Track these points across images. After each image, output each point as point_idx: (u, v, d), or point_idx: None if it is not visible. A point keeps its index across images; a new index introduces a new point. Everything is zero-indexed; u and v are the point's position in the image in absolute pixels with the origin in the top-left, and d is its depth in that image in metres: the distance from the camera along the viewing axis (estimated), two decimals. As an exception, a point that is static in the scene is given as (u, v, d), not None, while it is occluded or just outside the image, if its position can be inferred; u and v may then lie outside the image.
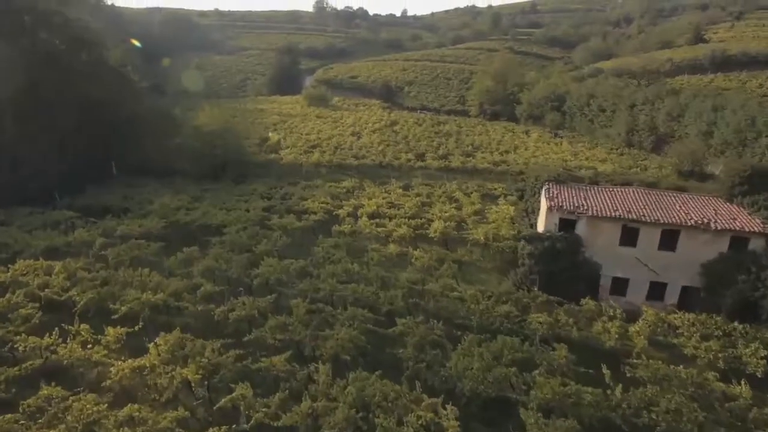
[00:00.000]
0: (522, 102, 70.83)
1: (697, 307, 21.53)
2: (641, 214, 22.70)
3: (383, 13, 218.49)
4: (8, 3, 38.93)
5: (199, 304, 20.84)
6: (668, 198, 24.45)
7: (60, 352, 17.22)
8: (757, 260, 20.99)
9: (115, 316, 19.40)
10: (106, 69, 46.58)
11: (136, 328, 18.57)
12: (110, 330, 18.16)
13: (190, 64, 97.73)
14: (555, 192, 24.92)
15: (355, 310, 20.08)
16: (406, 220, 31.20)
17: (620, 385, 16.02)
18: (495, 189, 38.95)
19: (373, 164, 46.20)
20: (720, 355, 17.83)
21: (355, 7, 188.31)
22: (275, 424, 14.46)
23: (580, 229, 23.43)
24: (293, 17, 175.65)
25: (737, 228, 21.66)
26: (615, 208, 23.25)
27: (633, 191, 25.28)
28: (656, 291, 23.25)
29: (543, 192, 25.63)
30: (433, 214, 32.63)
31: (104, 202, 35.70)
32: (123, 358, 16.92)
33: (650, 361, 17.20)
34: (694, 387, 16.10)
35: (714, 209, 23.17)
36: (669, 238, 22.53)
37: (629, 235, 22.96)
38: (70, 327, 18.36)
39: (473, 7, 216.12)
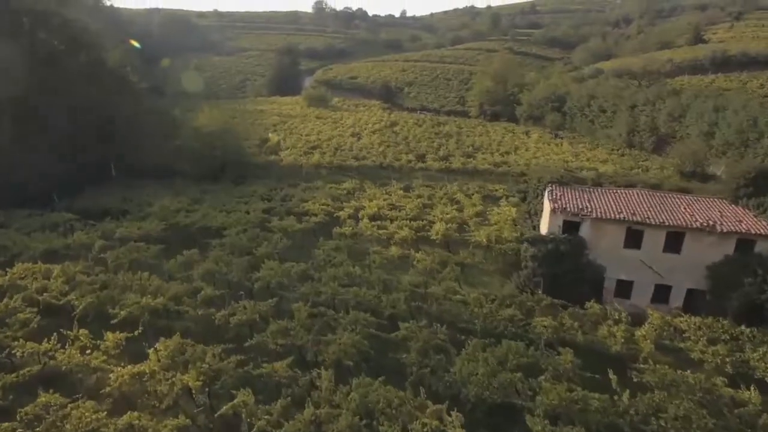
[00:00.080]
0: (522, 103, 70.66)
1: (702, 310, 21.33)
2: (646, 216, 22.48)
3: (382, 14, 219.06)
4: (7, 3, 38.66)
5: (199, 308, 20.60)
6: (673, 200, 24.24)
7: (58, 357, 16.97)
8: (764, 263, 20.78)
9: (115, 321, 19.17)
10: (105, 70, 46.33)
11: (136, 333, 18.34)
12: (109, 335, 17.92)
13: (190, 65, 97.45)
14: (558, 194, 24.70)
15: (357, 314, 19.86)
16: (408, 221, 30.97)
17: (627, 391, 15.81)
18: (496, 190, 38.73)
19: (374, 165, 45.96)
20: (728, 359, 17.60)
21: (354, 8, 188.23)
22: (278, 432, 14.23)
23: (584, 231, 23.21)
24: (292, 18, 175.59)
25: (743, 230, 21.44)
26: (619, 210, 23.03)
27: (637, 193, 25.07)
28: (661, 294, 23.03)
29: (546, 194, 25.41)
30: (434, 216, 32.40)
31: (103, 203, 35.46)
32: (122, 364, 16.68)
33: (657, 365, 16.99)
34: (703, 392, 15.87)
35: (719, 211, 22.97)
36: (674, 241, 22.30)
37: (634, 238, 22.73)
38: (68, 332, 18.10)
39: (472, 7, 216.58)
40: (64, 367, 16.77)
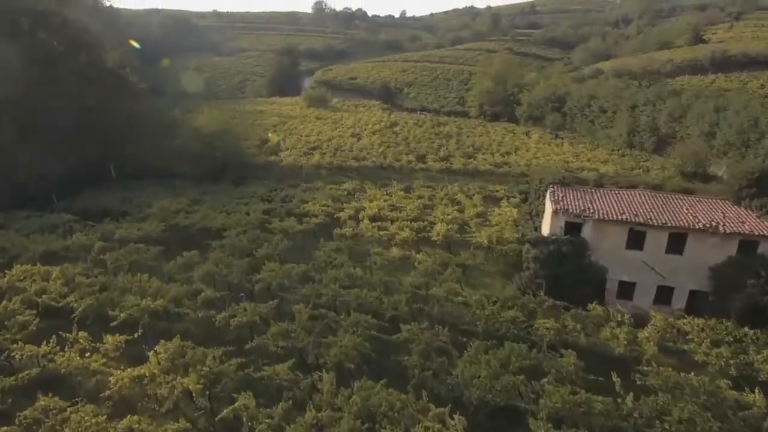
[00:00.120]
0: (522, 103, 70.55)
1: (705, 311, 21.23)
2: (648, 217, 22.37)
3: (382, 14, 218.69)
4: (6, 4, 38.52)
5: (199, 311, 20.49)
6: (675, 201, 24.14)
7: (58, 360, 16.88)
8: (767, 264, 20.67)
9: (114, 323, 19.04)
10: (105, 70, 46.16)
11: (136, 335, 18.22)
12: (109, 338, 17.81)
13: (189, 65, 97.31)
14: (560, 195, 24.59)
15: (358, 316, 19.76)
16: (408, 222, 30.86)
17: (631, 394, 15.69)
18: (497, 191, 38.63)
19: (374, 166, 45.81)
20: (731, 361, 17.53)
21: (354, 8, 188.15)
22: (279, 436, 14.13)
23: (586, 232, 23.11)
24: (292, 18, 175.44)
25: (746, 231, 21.34)
26: (621, 211, 22.92)
27: (639, 194, 24.97)
28: (663, 295, 22.93)
29: (548, 195, 25.29)
30: (435, 217, 32.29)
31: (103, 204, 35.33)
32: (122, 367, 16.59)
33: (661, 368, 16.88)
34: (707, 395, 15.77)
35: (722, 212, 22.86)
36: (676, 242, 22.20)
37: (636, 239, 22.63)
38: (68, 334, 18.01)
39: (472, 8, 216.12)
40: (63, 370, 16.69)
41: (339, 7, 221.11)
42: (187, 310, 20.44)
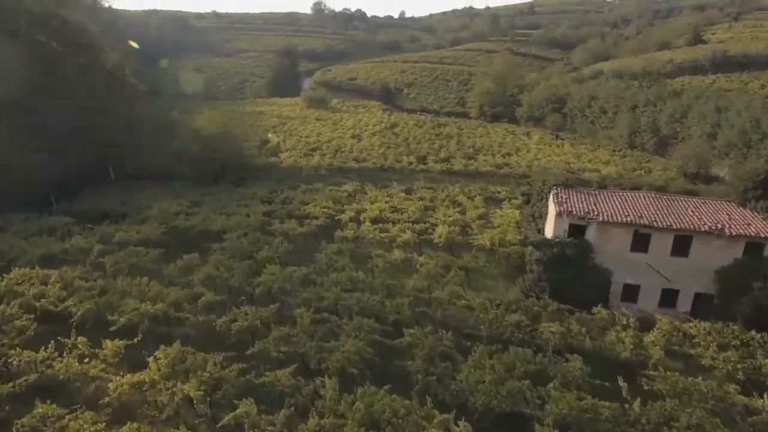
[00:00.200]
0: (522, 104, 70.44)
1: (710, 314, 21.02)
2: (653, 219, 22.17)
3: (381, 15, 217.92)
4: (5, 5, 38.23)
5: (199, 315, 20.21)
6: (680, 202, 23.94)
7: (56, 366, 16.59)
8: (773, 267, 20.51)
9: (114, 328, 18.75)
10: (104, 72, 45.90)
11: (135, 340, 17.94)
12: (108, 343, 17.54)
13: (188, 66, 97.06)
14: (564, 197, 24.38)
15: (360, 320, 19.50)
16: (410, 224, 30.62)
17: (638, 399, 15.48)
18: (498, 192, 38.41)
19: (374, 167, 45.54)
20: (739, 366, 17.30)
21: (353, 9, 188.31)
22: (281, 444, 13.89)
23: (590, 234, 22.90)
24: (291, 19, 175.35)
25: (752, 234, 21.15)
26: (626, 214, 22.72)
27: (644, 196, 24.76)
28: (668, 298, 22.73)
29: (551, 197, 25.08)
30: (436, 219, 32.04)
31: (102, 207, 35.02)
32: (122, 373, 16.32)
33: (668, 372, 16.66)
34: (715, 400, 15.54)
35: (727, 214, 22.67)
36: (682, 244, 22.00)
37: (641, 241, 22.44)
38: (66, 340, 17.72)
39: (471, 8, 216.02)
40: (61, 377, 16.38)
41: (338, 8, 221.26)
42: (187, 315, 20.16)
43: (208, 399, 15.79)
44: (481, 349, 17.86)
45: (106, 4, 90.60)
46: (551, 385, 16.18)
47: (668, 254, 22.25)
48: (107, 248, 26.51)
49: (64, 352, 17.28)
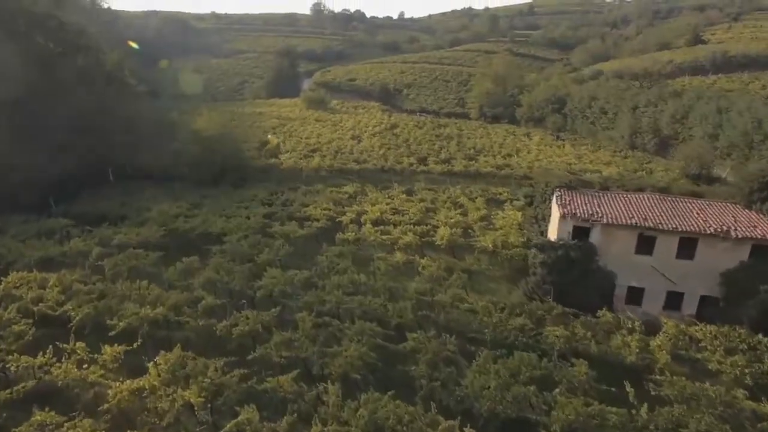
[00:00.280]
0: (522, 104, 70.29)
1: (716, 317, 20.79)
2: (658, 221, 21.95)
3: (380, 16, 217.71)
4: (3, 6, 37.95)
5: (200, 319, 19.96)
6: (684, 204, 23.71)
7: (54, 372, 16.38)
8: (780, 269, 20.28)
9: (113, 333, 18.51)
10: (103, 73, 45.64)
11: (135, 345, 17.69)
12: (107, 348, 17.29)
13: (188, 67, 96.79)
14: (568, 199, 24.14)
15: (363, 324, 19.26)
16: (411, 226, 30.39)
17: (645, 404, 15.25)
18: (500, 194, 38.19)
19: (375, 169, 45.31)
20: (746, 370, 17.08)
21: (352, 10, 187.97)
22: (284, 451, 13.66)
23: (595, 237, 22.67)
24: (290, 20, 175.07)
25: (758, 236, 20.91)
26: (631, 216, 22.49)
27: (648, 197, 24.53)
28: (673, 301, 22.49)
29: (554, 198, 24.85)
30: (438, 221, 31.82)
31: (101, 209, 34.70)
32: (121, 379, 16.07)
33: (675, 377, 16.44)
34: (723, 406, 15.32)
35: (733, 216, 22.44)
36: (687, 247, 21.76)
37: (645, 243, 22.19)
38: (65, 345, 17.44)
39: (470, 9, 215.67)
40: (60, 383, 16.16)
41: (337, 9, 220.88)
42: (187, 319, 19.92)
43: (209, 405, 15.56)
44: (486, 353, 17.63)
45: (105, 5, 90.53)
46: (557, 390, 15.96)
47: (673, 257, 22.01)
48: (106, 251, 26.25)
49: (63, 358, 17.01)
